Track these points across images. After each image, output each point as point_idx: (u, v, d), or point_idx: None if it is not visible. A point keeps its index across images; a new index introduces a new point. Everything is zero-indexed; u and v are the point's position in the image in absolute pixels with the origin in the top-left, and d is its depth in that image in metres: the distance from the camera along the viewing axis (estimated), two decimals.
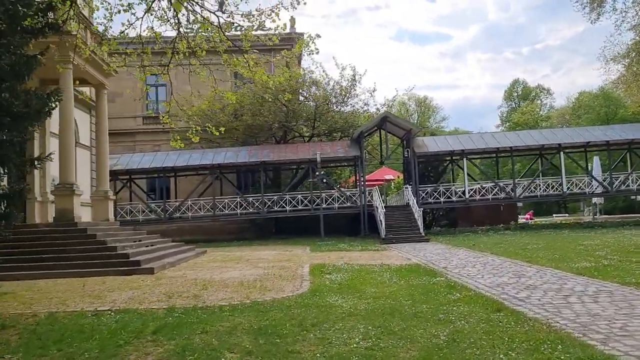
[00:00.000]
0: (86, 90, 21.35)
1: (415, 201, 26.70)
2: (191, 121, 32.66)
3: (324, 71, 31.59)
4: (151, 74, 11.60)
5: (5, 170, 8.63)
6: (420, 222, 25.05)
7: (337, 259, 15.99)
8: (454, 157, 30.47)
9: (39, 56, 9.41)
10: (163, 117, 11.26)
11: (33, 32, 9.57)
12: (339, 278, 11.19)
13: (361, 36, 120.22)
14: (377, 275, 11.66)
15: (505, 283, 9.83)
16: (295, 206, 27.97)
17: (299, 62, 36.05)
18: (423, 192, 28.41)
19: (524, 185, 29.14)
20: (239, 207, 28.20)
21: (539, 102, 78.84)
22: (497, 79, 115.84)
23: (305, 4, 8.97)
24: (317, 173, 26.18)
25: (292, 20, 45.64)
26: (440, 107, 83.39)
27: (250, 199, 28.38)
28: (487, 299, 8.17)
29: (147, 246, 16.25)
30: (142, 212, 28.07)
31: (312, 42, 12.32)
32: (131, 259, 12.86)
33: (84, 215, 18.42)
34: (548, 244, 18.52)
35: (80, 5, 9.80)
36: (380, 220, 25.08)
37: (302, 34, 44.74)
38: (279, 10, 8.84)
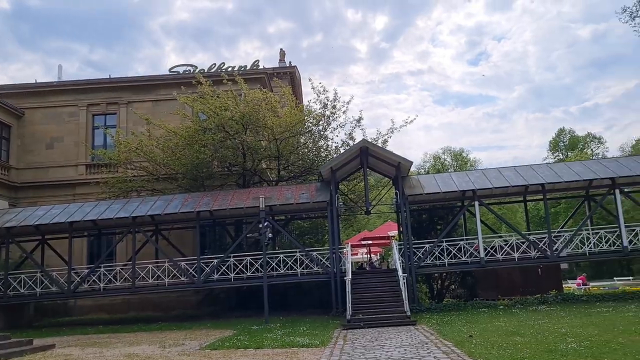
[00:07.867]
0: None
1: (401, 264, 18.61)
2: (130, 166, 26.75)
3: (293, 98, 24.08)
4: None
5: None
6: (405, 296, 16.86)
7: None
8: (464, 202, 22.26)
9: None
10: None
11: None
12: None
13: (405, 100, 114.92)
14: None
15: None
16: (243, 272, 20.35)
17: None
18: (420, 251, 20.28)
19: (565, 239, 20.62)
20: (167, 275, 20.81)
21: (589, 151, 68.61)
22: (547, 138, 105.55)
23: None
24: (260, 226, 18.59)
25: (282, 53, 39.84)
26: (479, 161, 74.43)
27: (183, 264, 20.93)
28: None
29: None
30: (42, 285, 21.00)
31: None
32: None
33: None
34: (599, 336, 10.21)
35: None
36: (347, 294, 17.13)
37: (294, 67, 38.74)
38: None
